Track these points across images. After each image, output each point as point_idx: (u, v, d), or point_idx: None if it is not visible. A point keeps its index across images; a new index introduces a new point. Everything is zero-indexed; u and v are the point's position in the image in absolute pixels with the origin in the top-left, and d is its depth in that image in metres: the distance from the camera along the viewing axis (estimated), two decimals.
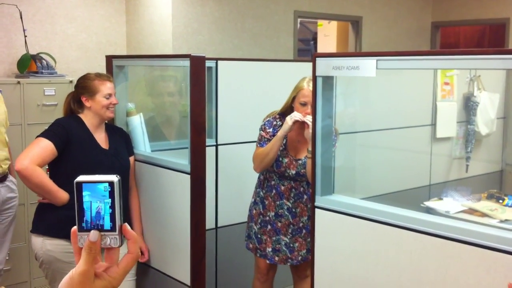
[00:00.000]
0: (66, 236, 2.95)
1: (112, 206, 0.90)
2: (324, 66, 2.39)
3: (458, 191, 3.67)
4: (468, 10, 7.70)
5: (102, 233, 0.91)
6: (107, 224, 0.91)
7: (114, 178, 0.91)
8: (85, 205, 0.90)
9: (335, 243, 2.44)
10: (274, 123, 3.26)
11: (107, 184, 0.90)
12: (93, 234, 0.89)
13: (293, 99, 3.19)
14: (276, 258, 3.32)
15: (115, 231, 0.91)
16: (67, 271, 3.42)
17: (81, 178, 0.90)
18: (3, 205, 3.58)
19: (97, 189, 0.90)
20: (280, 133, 3.13)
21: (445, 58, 2.08)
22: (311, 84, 3.01)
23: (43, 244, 2.98)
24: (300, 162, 3.22)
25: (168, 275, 3.26)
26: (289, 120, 3.09)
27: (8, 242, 3.71)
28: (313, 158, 2.49)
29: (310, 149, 2.97)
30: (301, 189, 3.27)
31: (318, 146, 2.47)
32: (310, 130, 2.97)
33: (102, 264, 0.92)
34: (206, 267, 3.11)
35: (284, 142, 3.20)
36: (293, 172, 3.22)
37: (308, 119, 3.00)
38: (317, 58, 2.42)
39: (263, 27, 6.24)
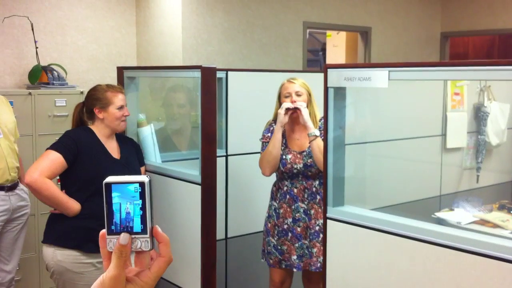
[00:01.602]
0: (77, 246, 2.95)
1: (143, 208, 0.85)
2: (335, 77, 2.39)
3: (469, 202, 3.65)
4: (477, 20, 7.68)
5: (133, 236, 0.86)
6: (138, 227, 0.86)
7: (145, 178, 0.86)
8: (115, 207, 0.85)
9: (347, 255, 2.43)
10: (271, 128, 3.34)
11: (137, 185, 0.85)
12: (124, 237, 0.85)
13: (279, 101, 3.30)
14: (302, 264, 3.27)
15: (146, 233, 0.86)
16: (77, 281, 3.41)
17: (110, 179, 0.86)
18: (13, 214, 3.59)
19: (127, 190, 0.85)
20: (277, 125, 3.22)
21: (457, 69, 2.07)
22: (291, 81, 3.26)
23: (54, 255, 2.98)
24: (304, 153, 3.24)
25: (179, 286, 3.26)
26: (281, 110, 3.20)
27: (19, 251, 3.71)
28: (325, 168, 2.48)
29: (310, 132, 3.14)
30: (314, 189, 3.26)
31: (329, 157, 2.47)
32: (304, 115, 3.13)
33: (132, 269, 0.88)
34: (216, 278, 3.11)
35: (283, 141, 3.26)
36: (300, 165, 3.23)
37: (299, 104, 3.15)
38: (328, 69, 2.42)
39: (272, 38, 6.25)
